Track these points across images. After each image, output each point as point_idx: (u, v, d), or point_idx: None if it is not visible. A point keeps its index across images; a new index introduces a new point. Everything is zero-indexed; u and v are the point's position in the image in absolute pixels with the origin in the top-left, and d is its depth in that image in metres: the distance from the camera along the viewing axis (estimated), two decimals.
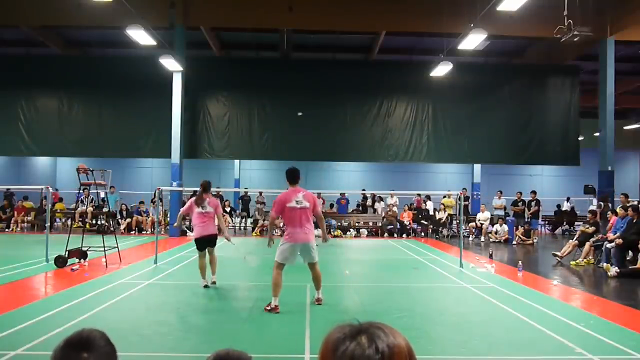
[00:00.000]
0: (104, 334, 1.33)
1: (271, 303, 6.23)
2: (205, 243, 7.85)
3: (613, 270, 9.61)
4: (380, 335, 0.94)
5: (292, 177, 6.49)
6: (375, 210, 20.21)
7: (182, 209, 8.41)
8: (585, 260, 11.22)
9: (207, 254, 7.92)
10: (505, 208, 18.86)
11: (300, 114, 18.28)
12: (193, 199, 7.98)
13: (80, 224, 17.07)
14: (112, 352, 1.32)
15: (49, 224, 11.26)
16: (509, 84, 19.22)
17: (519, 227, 16.57)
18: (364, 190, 22.85)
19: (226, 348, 1.35)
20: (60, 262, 9.42)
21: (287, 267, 6.40)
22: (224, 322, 5.86)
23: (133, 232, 17.49)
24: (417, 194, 20.49)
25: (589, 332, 5.51)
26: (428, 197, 20.10)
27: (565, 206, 21.53)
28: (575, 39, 11.13)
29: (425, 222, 18.94)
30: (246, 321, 5.92)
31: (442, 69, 16.17)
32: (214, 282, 7.88)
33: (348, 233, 18.19)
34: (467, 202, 19.43)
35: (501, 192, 19.04)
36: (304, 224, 6.27)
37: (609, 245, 10.55)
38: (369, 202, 20.81)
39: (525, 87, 19.19)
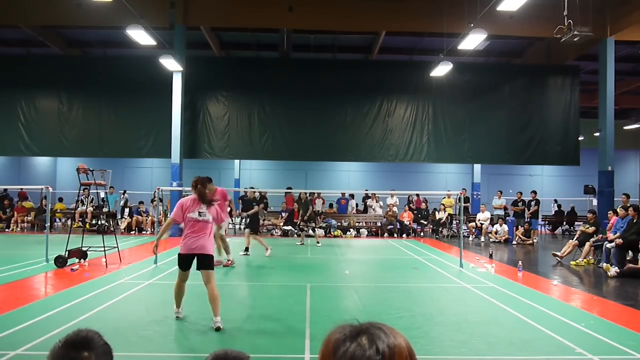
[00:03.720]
0: (99, 333, 1.36)
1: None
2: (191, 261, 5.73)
3: (613, 270, 9.61)
4: (381, 336, 0.94)
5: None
6: (366, 209, 20.28)
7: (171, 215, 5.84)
8: (585, 260, 11.23)
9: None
10: (505, 208, 18.85)
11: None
12: (186, 199, 5.82)
13: (80, 224, 17.08)
14: (109, 350, 1.35)
15: (49, 224, 11.26)
16: (509, 84, 19.21)
17: (519, 227, 16.58)
18: (366, 190, 22.81)
19: (224, 348, 1.36)
20: (60, 262, 9.42)
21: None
22: (224, 322, 5.85)
23: (133, 232, 17.49)
24: (417, 194, 20.51)
25: (589, 332, 5.51)
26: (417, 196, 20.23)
27: (557, 207, 21.47)
28: (575, 39, 11.13)
29: (425, 222, 18.97)
30: (246, 321, 5.92)
31: (442, 69, 16.17)
32: (218, 328, 5.42)
33: (348, 233, 18.19)
34: (467, 204, 19.31)
35: (501, 192, 19.04)
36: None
37: (609, 245, 10.56)
38: (369, 202, 20.81)
39: (525, 87, 19.19)
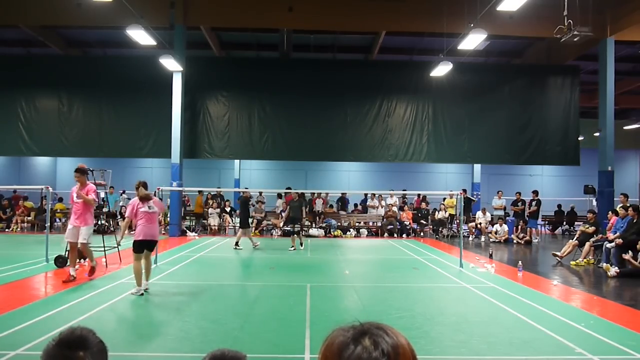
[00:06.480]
0: (94, 331, 1.32)
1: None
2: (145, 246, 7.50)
3: (613, 270, 9.61)
4: (384, 337, 0.94)
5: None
6: (366, 209, 20.32)
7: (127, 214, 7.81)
8: (585, 260, 11.23)
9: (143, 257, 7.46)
10: (505, 208, 18.85)
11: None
12: (134, 200, 7.60)
13: None
14: (104, 349, 1.31)
15: (49, 224, 11.26)
16: (509, 84, 19.21)
17: (519, 227, 16.58)
18: (397, 190, 22.81)
19: (221, 348, 1.34)
20: (60, 262, 9.42)
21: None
22: (224, 322, 5.86)
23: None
24: (417, 194, 20.49)
25: (589, 332, 5.52)
26: (420, 197, 20.21)
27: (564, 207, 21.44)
28: (575, 39, 11.13)
29: (425, 222, 18.98)
30: (246, 321, 5.92)
31: (442, 69, 16.16)
32: (146, 289, 7.38)
33: (348, 233, 18.19)
34: (473, 200, 19.14)
35: (501, 192, 19.04)
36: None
37: (609, 245, 10.56)
38: (369, 202, 20.80)
39: (525, 87, 19.18)
